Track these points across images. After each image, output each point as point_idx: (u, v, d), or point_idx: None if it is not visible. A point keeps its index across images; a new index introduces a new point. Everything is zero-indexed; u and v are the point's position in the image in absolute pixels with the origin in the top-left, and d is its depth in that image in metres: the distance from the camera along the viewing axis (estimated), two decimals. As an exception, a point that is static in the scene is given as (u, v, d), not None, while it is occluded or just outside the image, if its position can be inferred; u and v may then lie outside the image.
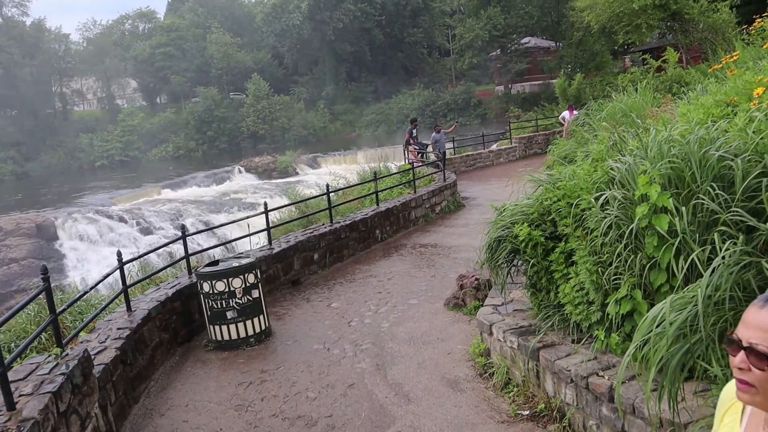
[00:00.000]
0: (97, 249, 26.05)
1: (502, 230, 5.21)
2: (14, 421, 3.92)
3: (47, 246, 26.56)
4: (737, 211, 3.23)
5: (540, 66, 52.13)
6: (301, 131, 60.75)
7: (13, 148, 55.88)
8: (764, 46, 5.74)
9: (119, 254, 6.88)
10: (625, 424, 3.78)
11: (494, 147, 24.96)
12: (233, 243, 11.83)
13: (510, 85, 53.13)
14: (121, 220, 28.08)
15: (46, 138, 58.44)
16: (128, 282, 7.46)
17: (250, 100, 59.83)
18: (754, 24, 8.93)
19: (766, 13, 9.23)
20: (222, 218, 27.73)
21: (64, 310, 5.55)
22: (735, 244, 3.05)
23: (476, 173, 20.81)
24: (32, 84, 58.89)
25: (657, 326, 2.96)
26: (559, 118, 22.22)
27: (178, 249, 15.20)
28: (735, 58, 5.54)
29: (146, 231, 27.35)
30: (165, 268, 8.60)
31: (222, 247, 15.72)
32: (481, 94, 56.66)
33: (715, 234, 3.21)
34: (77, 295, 6.03)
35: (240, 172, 42.74)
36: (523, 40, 52.41)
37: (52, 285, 6.12)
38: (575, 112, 18.92)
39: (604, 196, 4.00)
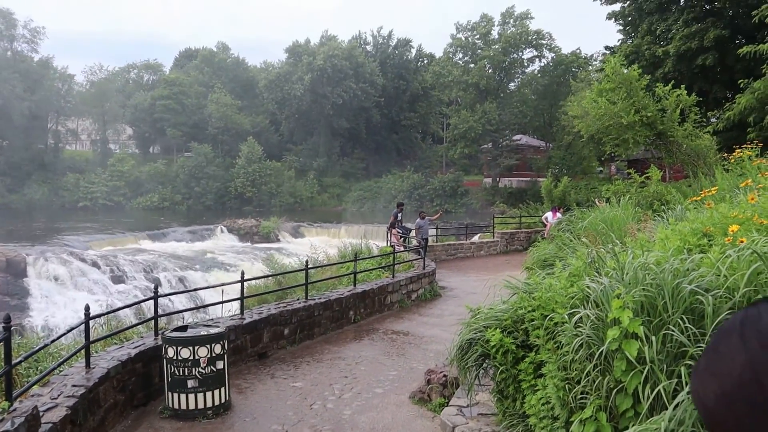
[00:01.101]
0: (65, 292, 25.51)
1: (475, 333, 5.22)
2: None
3: (14, 282, 25.95)
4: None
5: (529, 163, 53.53)
6: (288, 198, 61.13)
7: (-4, 180, 55.68)
8: (741, 184, 5.98)
9: (87, 308, 6.76)
10: None
11: (476, 239, 25.21)
12: (206, 307, 11.68)
13: (498, 179, 54.28)
14: (95, 265, 27.63)
15: (33, 172, 58.21)
16: (92, 337, 7.32)
17: (242, 162, 60.38)
18: (734, 153, 9.32)
19: (744, 144, 9.66)
20: (198, 276, 27.42)
21: (19, 362, 5.40)
22: (701, 381, 3.08)
23: (456, 263, 20.91)
24: (29, 118, 59.10)
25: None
26: (543, 218, 22.61)
27: (148, 305, 14.98)
28: (713, 191, 5.76)
29: (118, 279, 26.91)
30: (132, 326, 8.42)
31: (195, 312, 15.56)
32: (469, 183, 57.70)
33: (683, 367, 3.25)
34: (36, 348, 5.86)
35: (222, 231, 42.56)
36: (515, 137, 54.11)
37: (12, 325, 5.98)
38: (558, 214, 19.28)
39: (579, 315, 4.04)
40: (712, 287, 3.69)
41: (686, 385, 3.12)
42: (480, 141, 53.51)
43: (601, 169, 46.71)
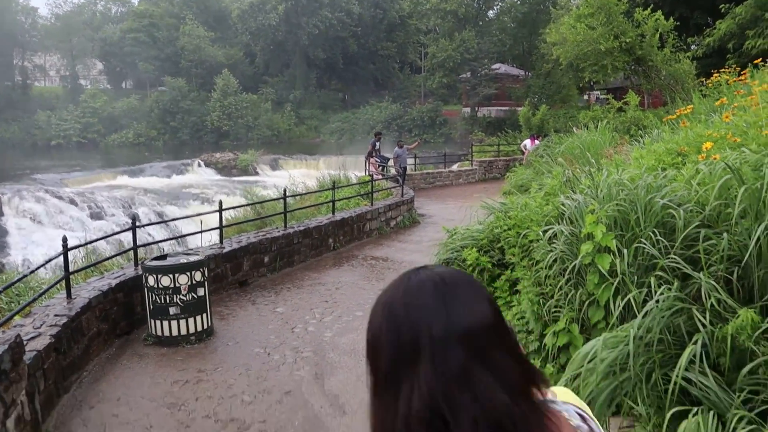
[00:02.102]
0: (43, 230, 25.26)
1: (452, 253, 5.30)
2: (-66, 401, 3.80)
3: (-10, 221, 25.68)
4: (675, 258, 3.37)
5: (508, 93, 53.04)
6: (266, 131, 60.33)
7: (-36, 117, 54.14)
8: (717, 103, 6.00)
9: (64, 239, 6.72)
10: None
11: (455, 167, 25.25)
12: (185, 238, 11.67)
13: (477, 108, 53.87)
14: (72, 202, 27.31)
15: (1, 111, 56.60)
16: (72, 269, 7.31)
17: (218, 95, 59.14)
18: (712, 78, 9.31)
19: (723, 69, 9.63)
20: (176, 210, 27.23)
21: None
22: (670, 289, 3.17)
23: (435, 191, 21.00)
24: (-8, 54, 57.20)
25: (589, 362, 3.06)
26: (521, 145, 22.67)
27: (127, 238, 14.91)
28: (689, 110, 5.78)
29: (97, 216, 26.68)
30: (112, 257, 8.43)
31: (173, 242, 15.53)
32: (448, 113, 57.29)
33: (652, 278, 3.34)
34: (14, 279, 5.85)
35: (199, 165, 42.07)
36: (493, 66, 53.33)
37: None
38: (537, 141, 19.32)
39: (552, 230, 4.11)
40: (684, 202, 3.76)
41: (655, 294, 3.22)
42: (458, 70, 52.78)
43: (581, 98, 46.57)
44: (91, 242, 7.34)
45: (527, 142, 21.72)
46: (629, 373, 3.05)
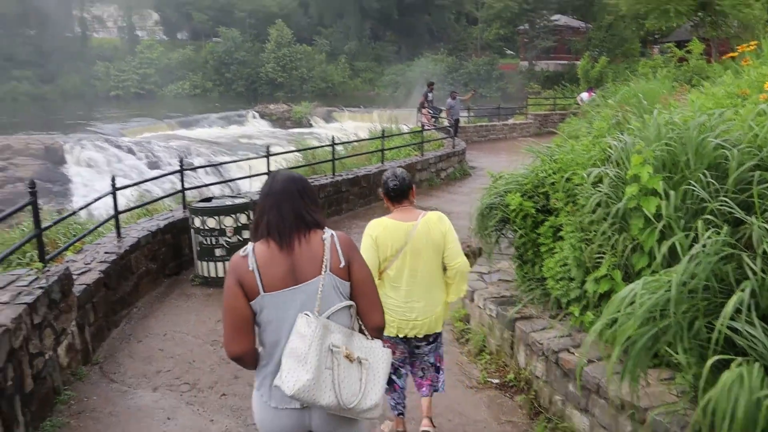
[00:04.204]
0: (103, 177, 26.01)
1: (495, 197, 5.16)
2: (-13, 327, 3.96)
3: (54, 169, 26.55)
4: (726, 202, 3.17)
5: (567, 46, 51.18)
6: (320, 83, 60.14)
7: (30, 69, 55.47)
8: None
9: (113, 179, 6.88)
10: (589, 403, 3.79)
11: (510, 121, 24.71)
12: (235, 182, 11.74)
13: (534, 62, 52.30)
14: (130, 151, 28.00)
15: (63, 62, 57.88)
16: (125, 209, 7.51)
17: (272, 46, 59.08)
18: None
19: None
20: (229, 160, 27.60)
21: (49, 227, 5.59)
22: (718, 234, 2.99)
23: (488, 145, 20.65)
24: (53, 5, 58.14)
25: (626, 307, 2.93)
26: (578, 98, 21.95)
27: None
28: (752, 47, 5.39)
29: (154, 165, 27.29)
30: (160, 198, 8.64)
31: (224, 187, 15.76)
32: (504, 67, 55.77)
33: (700, 222, 3.15)
34: (65, 215, 6.05)
35: (254, 117, 42.42)
36: (553, 17, 51.39)
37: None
38: (593, 94, 18.66)
39: (595, 173, 3.93)
40: (739, 142, 3.53)
41: (702, 237, 3.04)
42: (516, 22, 51.15)
43: (643, 51, 44.57)
44: (139, 182, 7.56)
45: (584, 95, 21.01)
46: (670, 320, 2.91)
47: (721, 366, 2.72)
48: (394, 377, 3.85)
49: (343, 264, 2.34)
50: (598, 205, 3.91)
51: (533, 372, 4.45)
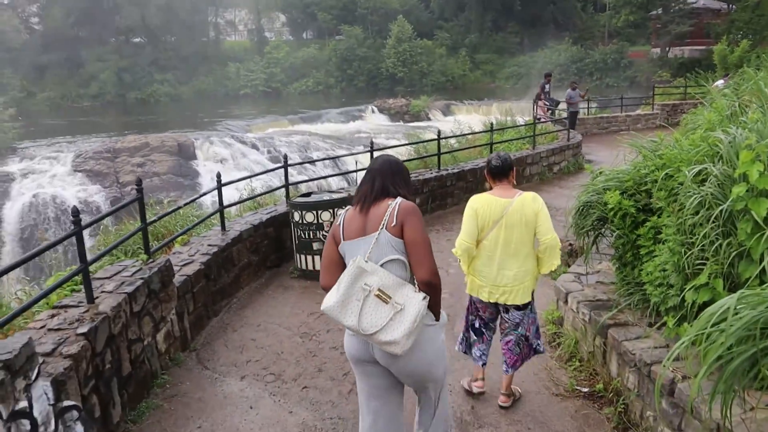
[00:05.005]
0: (229, 172, 27.45)
1: (593, 195, 4.83)
2: (90, 313, 4.22)
3: (186, 164, 28.30)
4: None
5: (706, 29, 47.45)
6: (440, 77, 59.97)
7: (169, 72, 59.67)
8: None
9: (218, 176, 7.14)
10: (683, 423, 3.44)
11: (635, 112, 23.33)
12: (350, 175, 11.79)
13: (668, 48, 49.02)
14: (254, 146, 29.32)
15: (198, 65, 61.65)
16: (231, 203, 7.80)
17: (393, 42, 59.65)
18: None
19: None
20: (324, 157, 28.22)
21: (154, 221, 5.88)
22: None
23: (607, 137, 19.60)
24: (191, 12, 62.07)
25: (718, 323, 2.60)
26: (712, 86, 20.29)
27: (294, 179, 15.61)
28: None
29: (275, 159, 28.35)
30: (262, 194, 8.91)
31: (341, 179, 16.02)
32: (634, 55, 52.66)
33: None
34: (168, 210, 6.36)
35: (373, 112, 43.01)
36: (689, -1, 47.87)
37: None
38: (728, 80, 17.18)
39: (696, 170, 3.54)
40: None
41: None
42: (648, 6, 48.05)
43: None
44: (241, 179, 7.75)
45: (720, 82, 19.36)
46: (772, 339, 2.55)
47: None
48: (484, 330, 4.37)
49: (395, 224, 2.85)
50: (701, 205, 3.53)
51: (624, 383, 4.11)
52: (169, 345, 5.29)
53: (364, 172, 3.18)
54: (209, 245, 6.63)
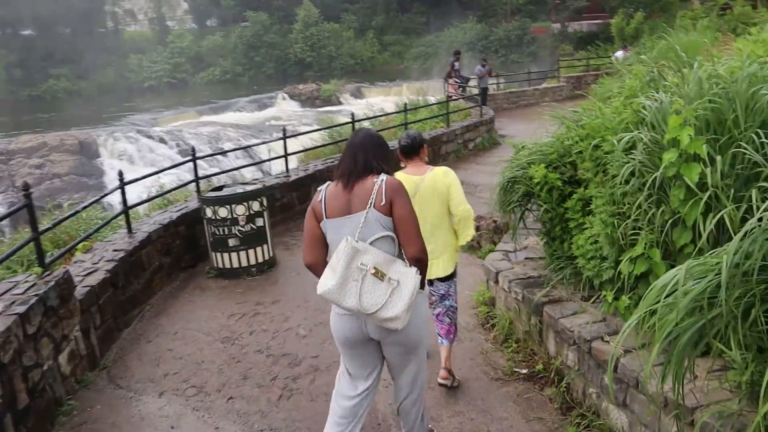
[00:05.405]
0: (135, 169, 26.09)
1: (517, 170, 4.68)
2: (-26, 340, 3.70)
3: (89, 163, 26.75)
4: (785, 165, 2.65)
5: (601, 4, 49.14)
6: (349, 60, 59.47)
7: (66, 66, 56.20)
8: None
9: (120, 174, 6.59)
10: (627, 398, 3.34)
11: (542, 86, 23.82)
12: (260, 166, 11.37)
13: (567, 23, 50.52)
14: (161, 141, 28.02)
15: (97, 57, 58.36)
16: (135, 203, 7.24)
17: (300, 27, 58.57)
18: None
19: None
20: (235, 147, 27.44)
21: (48, 229, 5.30)
22: (777, 203, 2.48)
23: (518, 111, 19.91)
24: (85, 1, 58.61)
25: (668, 295, 2.46)
26: (612, 57, 20.97)
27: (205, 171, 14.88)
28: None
29: (185, 153, 27.18)
30: (170, 191, 8.32)
31: (256, 170, 15.40)
32: (536, 31, 54.01)
33: (754, 191, 2.64)
34: (68, 214, 5.76)
35: (283, 98, 42.16)
36: (584, -26, 49.33)
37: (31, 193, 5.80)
38: (629, 51, 17.75)
39: (626, 138, 3.43)
40: (798, 94, 2.99)
41: (757, 211, 2.52)
42: (547, -18, 49.33)
43: (683, 5, 42.41)
44: (149, 175, 7.21)
45: (619, 53, 20.03)
46: (720, 309, 2.43)
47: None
48: None
49: (384, 202, 2.83)
50: (632, 174, 3.41)
51: (564, 362, 4.00)
52: (75, 366, 4.78)
53: (345, 146, 3.12)
54: (115, 250, 6.09)
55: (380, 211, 2.84)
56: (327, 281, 2.77)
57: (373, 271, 2.77)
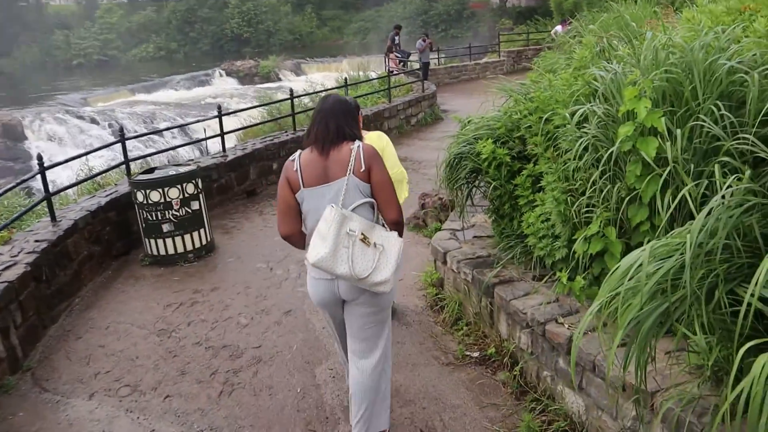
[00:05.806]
0: (65, 151, 24.85)
1: (464, 146, 4.49)
2: None
3: (14, 146, 25.37)
4: (746, 139, 2.53)
5: (540, -22, 49.53)
6: (287, 36, 58.26)
7: (-18, 43, 53.14)
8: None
9: (39, 158, 6.10)
10: (584, 381, 3.22)
11: (482, 60, 23.78)
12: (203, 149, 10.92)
13: (506, -2, 50.67)
14: (93, 121, 26.78)
15: (19, 33, 55.28)
16: (58, 189, 6.75)
17: (236, 1, 56.88)
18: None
19: None
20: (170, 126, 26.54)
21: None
22: (740, 180, 2.36)
23: (460, 86, 19.81)
24: (3, -28, 55.36)
25: (630, 279, 2.31)
26: (552, 32, 21.05)
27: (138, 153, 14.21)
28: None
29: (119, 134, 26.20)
30: (96, 175, 7.82)
31: (193, 149, 14.85)
32: (475, 6, 54.01)
33: (716, 166, 2.51)
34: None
35: (221, 75, 41.09)
36: (521, -53, 49.48)
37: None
38: (569, 25, 17.80)
39: (580, 111, 3.27)
40: (757, 65, 2.87)
41: (720, 188, 2.39)
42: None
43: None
44: (74, 158, 6.70)
45: (558, 27, 20.10)
46: (684, 291, 2.29)
47: (758, 351, 2.12)
48: None
49: (363, 169, 2.85)
50: (585, 149, 3.26)
51: (517, 345, 3.87)
52: (-6, 368, 4.39)
53: (314, 112, 3.06)
54: (37, 241, 5.63)
55: (359, 178, 2.86)
56: (319, 249, 2.76)
57: (362, 237, 2.81)
